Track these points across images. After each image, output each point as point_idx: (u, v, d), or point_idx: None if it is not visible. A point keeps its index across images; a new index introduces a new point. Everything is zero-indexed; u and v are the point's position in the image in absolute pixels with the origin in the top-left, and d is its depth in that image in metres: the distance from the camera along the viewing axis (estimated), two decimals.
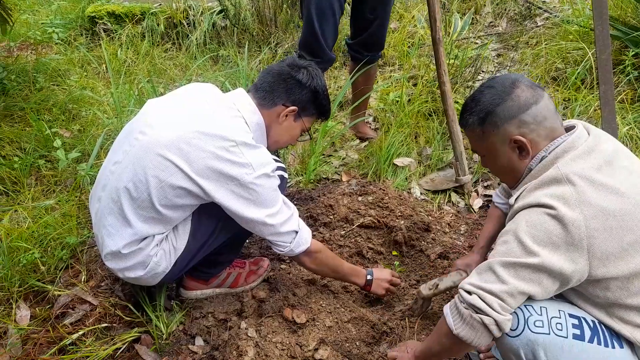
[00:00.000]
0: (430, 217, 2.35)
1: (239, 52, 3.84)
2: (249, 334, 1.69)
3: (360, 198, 2.40)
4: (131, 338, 1.72)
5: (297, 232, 1.62)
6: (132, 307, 1.80)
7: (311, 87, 1.63)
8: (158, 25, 4.05)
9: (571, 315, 1.25)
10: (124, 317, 1.79)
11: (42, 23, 4.31)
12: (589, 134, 1.32)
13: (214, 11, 4.04)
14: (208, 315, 1.80)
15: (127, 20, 4.15)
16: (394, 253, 2.17)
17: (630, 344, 1.25)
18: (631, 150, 2.46)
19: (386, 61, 3.73)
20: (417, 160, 2.72)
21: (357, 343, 1.72)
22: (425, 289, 1.79)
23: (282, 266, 2.06)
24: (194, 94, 1.59)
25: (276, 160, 1.74)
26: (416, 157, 2.74)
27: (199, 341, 1.74)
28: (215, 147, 1.44)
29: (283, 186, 1.75)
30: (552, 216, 1.20)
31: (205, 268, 1.78)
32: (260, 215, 1.52)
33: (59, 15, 4.46)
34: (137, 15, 4.16)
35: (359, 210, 2.32)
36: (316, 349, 1.65)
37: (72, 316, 1.79)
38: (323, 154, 2.73)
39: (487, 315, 1.22)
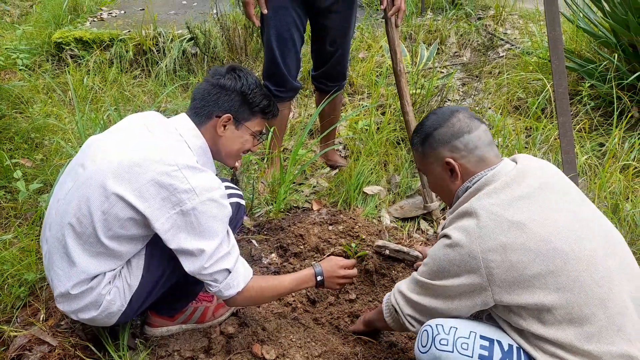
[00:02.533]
0: (400, 245, 2.36)
1: None
2: None
3: (330, 227, 2.40)
4: None
5: (229, 272, 1.50)
6: (92, 348, 1.72)
7: (237, 90, 1.58)
8: (127, 52, 4.02)
9: (483, 337, 1.35)
10: (84, 358, 1.71)
11: (5, 48, 4.21)
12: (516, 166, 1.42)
13: (184, 39, 4.05)
14: (174, 354, 1.74)
15: (94, 47, 4.10)
16: (351, 244, 2.09)
17: None
18: (589, 179, 2.57)
19: (355, 90, 3.80)
20: (386, 188, 2.75)
21: None
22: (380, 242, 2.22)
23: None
24: (134, 123, 1.56)
25: (231, 187, 1.71)
26: (385, 185, 2.77)
27: None
28: (157, 173, 1.40)
29: (241, 214, 1.71)
30: (451, 246, 1.35)
31: (169, 303, 1.73)
32: (194, 246, 1.43)
33: (24, 40, 4.37)
34: (105, 42, 4.12)
35: (329, 239, 2.32)
36: None
37: (29, 358, 1.70)
38: (293, 182, 2.73)
39: (397, 312, 1.53)
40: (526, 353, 1.33)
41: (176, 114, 1.65)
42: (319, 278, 1.74)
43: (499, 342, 1.34)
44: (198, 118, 1.59)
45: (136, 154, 1.43)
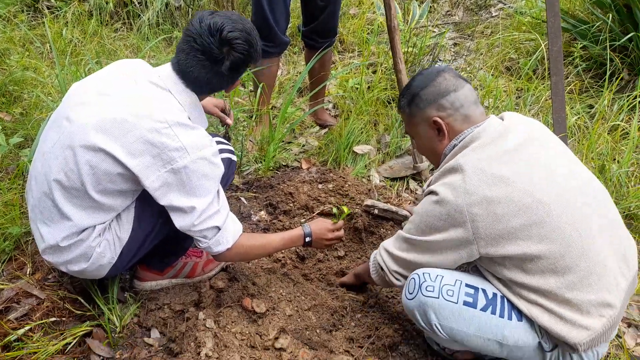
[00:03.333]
0: (389, 205, 2.37)
1: None
2: (207, 325, 1.65)
3: (320, 185, 2.39)
4: (82, 332, 1.64)
5: (219, 230, 1.51)
6: (82, 300, 1.72)
7: (232, 69, 1.47)
8: (107, 3, 3.84)
9: (468, 285, 1.40)
10: (74, 310, 1.71)
11: None
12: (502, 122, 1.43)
13: None
14: (164, 307, 1.74)
15: None
16: (345, 210, 2.05)
17: (532, 320, 1.35)
18: (578, 140, 2.58)
19: (345, 47, 3.71)
20: (376, 148, 2.73)
21: (318, 330, 1.72)
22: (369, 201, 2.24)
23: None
24: (121, 73, 1.49)
25: (223, 143, 1.68)
26: (375, 144, 2.76)
27: (155, 333, 1.69)
28: (147, 130, 1.36)
29: (232, 170, 1.69)
30: (437, 202, 1.37)
31: (159, 258, 1.72)
32: (184, 204, 1.42)
33: None
34: None
35: (319, 197, 2.31)
36: (276, 338, 1.64)
37: (17, 311, 1.69)
38: (282, 141, 2.69)
39: (383, 270, 1.57)
40: (509, 301, 1.38)
41: None
42: (307, 239, 1.76)
43: (484, 290, 1.40)
44: (188, 86, 1.50)
45: (124, 109, 1.38)
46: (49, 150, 1.45)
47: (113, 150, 1.36)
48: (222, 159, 1.56)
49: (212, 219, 1.48)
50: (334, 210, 2.02)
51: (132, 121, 1.37)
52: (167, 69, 1.51)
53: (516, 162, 1.35)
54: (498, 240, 1.32)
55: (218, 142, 1.63)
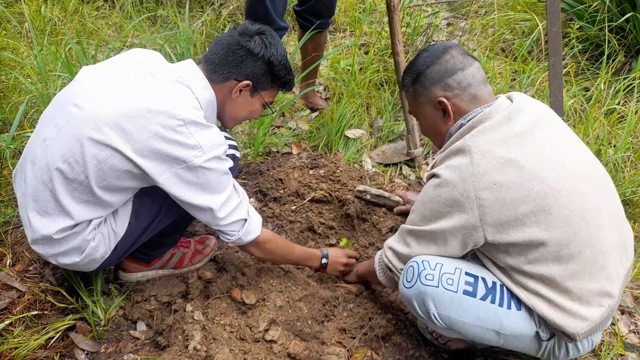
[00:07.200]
0: (381, 191, 2.32)
1: (179, 13, 3.57)
2: (195, 317, 1.60)
3: (311, 171, 2.33)
4: (65, 326, 1.59)
5: (245, 220, 1.52)
6: (64, 293, 1.66)
7: (265, 58, 1.48)
8: None
9: (468, 274, 1.35)
10: (56, 303, 1.65)
11: None
12: (512, 103, 1.37)
13: None
14: (150, 299, 1.69)
15: None
16: (344, 241, 2.08)
17: (531, 309, 1.33)
18: (574, 123, 2.54)
19: (337, 27, 3.60)
20: (368, 132, 2.67)
21: (309, 322, 1.68)
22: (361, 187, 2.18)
23: (230, 244, 1.96)
24: (137, 64, 1.43)
25: (228, 138, 1.63)
26: (367, 128, 2.69)
27: (142, 326, 1.64)
28: (161, 126, 1.31)
29: (235, 166, 1.65)
30: (441, 185, 1.31)
31: (146, 250, 1.66)
32: (207, 202, 1.41)
33: None
34: None
35: (310, 184, 2.25)
36: (267, 330, 1.60)
37: None
38: (272, 125, 2.61)
39: (391, 270, 1.50)
40: (508, 290, 1.35)
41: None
42: (323, 261, 1.78)
43: (484, 279, 1.36)
44: (212, 74, 1.47)
45: (140, 103, 1.32)
46: (53, 136, 1.37)
47: (124, 147, 1.31)
48: (227, 155, 1.51)
49: (237, 212, 1.48)
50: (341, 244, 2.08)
51: (146, 116, 1.31)
52: (190, 64, 1.47)
53: (526, 145, 1.29)
54: (505, 227, 1.27)
55: (226, 138, 1.59)
